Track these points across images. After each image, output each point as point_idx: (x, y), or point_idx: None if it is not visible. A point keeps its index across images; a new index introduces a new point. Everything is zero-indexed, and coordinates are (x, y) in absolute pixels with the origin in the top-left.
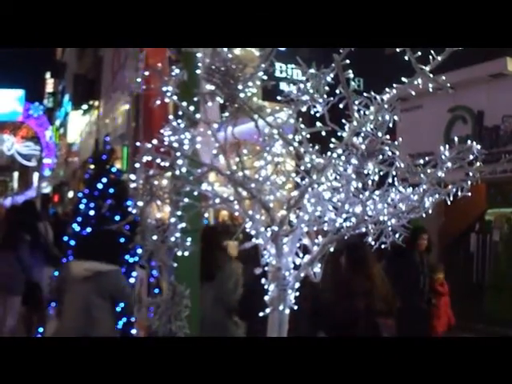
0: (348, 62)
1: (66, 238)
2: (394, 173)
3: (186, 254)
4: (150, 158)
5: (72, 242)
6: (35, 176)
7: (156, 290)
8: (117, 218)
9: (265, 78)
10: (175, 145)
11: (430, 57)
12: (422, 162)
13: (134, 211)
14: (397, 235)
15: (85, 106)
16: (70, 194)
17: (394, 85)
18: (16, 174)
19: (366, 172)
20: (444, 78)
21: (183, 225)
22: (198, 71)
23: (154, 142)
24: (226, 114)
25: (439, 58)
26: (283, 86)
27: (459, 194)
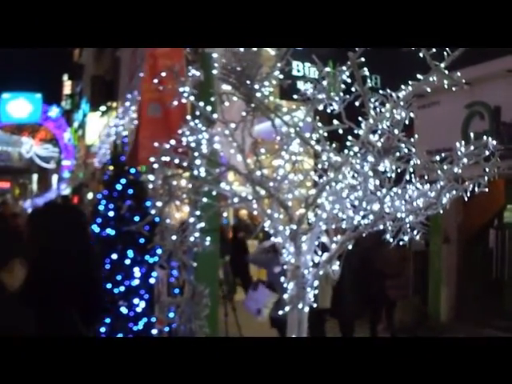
0: (363, 59)
1: None
2: (411, 170)
3: (206, 253)
4: (168, 159)
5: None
6: (54, 178)
7: (176, 290)
8: (136, 218)
9: (281, 76)
10: (193, 145)
11: (445, 53)
12: (438, 158)
13: (153, 212)
14: (415, 232)
15: (103, 108)
16: (90, 196)
17: (410, 82)
18: (35, 177)
19: (383, 169)
20: (460, 74)
21: (202, 224)
22: (215, 71)
23: (172, 142)
24: (243, 113)
25: (454, 54)
26: (300, 84)
27: (476, 190)
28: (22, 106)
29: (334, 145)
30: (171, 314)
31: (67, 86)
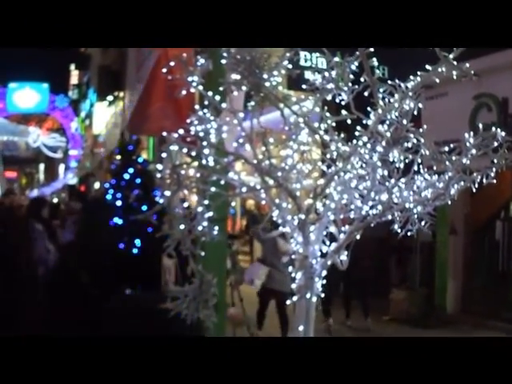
0: (372, 50)
1: None
2: (420, 160)
3: (214, 242)
4: (176, 148)
5: None
6: (61, 168)
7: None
8: (144, 207)
9: (290, 67)
10: (201, 134)
11: None
12: (447, 149)
13: (162, 201)
14: (422, 222)
15: (110, 98)
16: (97, 185)
17: (419, 72)
18: (42, 166)
19: (391, 160)
20: (468, 65)
21: (210, 214)
22: (223, 61)
23: (181, 131)
24: (252, 103)
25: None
26: (308, 74)
27: (484, 181)
28: (28, 96)
29: (342, 135)
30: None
31: (74, 76)
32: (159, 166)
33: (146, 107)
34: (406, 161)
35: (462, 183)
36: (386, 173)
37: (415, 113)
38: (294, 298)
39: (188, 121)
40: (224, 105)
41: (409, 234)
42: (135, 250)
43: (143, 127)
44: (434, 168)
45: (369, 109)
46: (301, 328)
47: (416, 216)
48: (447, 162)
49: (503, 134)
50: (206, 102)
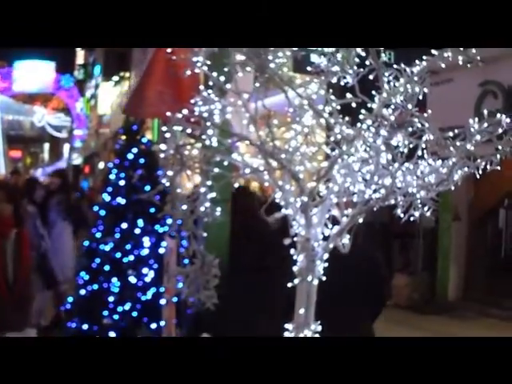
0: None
1: (96, 208)
2: (424, 145)
3: (216, 223)
4: (180, 128)
5: (102, 212)
6: (66, 147)
7: (186, 261)
8: (147, 188)
9: (295, 48)
10: (205, 115)
11: None
12: (451, 134)
13: (164, 181)
14: (426, 208)
15: (116, 78)
16: (101, 165)
17: (424, 57)
18: (47, 146)
19: (395, 144)
20: (474, 51)
21: (213, 195)
22: None
23: (185, 112)
24: (257, 84)
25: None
26: (314, 57)
27: (488, 168)
28: (34, 76)
29: (346, 118)
30: (180, 284)
31: (80, 56)
32: (163, 146)
33: (144, 89)
34: (410, 145)
35: (466, 169)
36: (389, 157)
37: (420, 97)
38: (296, 281)
39: (192, 101)
40: (229, 86)
41: (412, 219)
42: (137, 231)
43: (138, 109)
44: (438, 153)
45: (373, 92)
46: (301, 311)
47: (419, 201)
48: (451, 148)
49: (508, 120)
50: (211, 83)
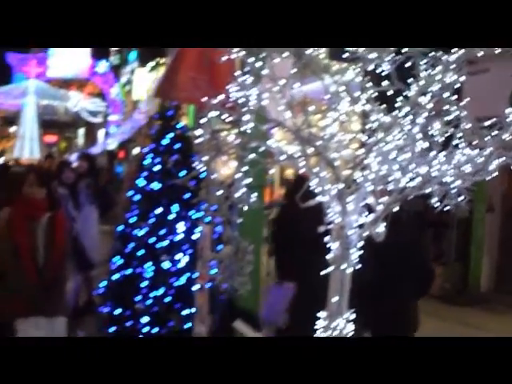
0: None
1: (131, 193)
2: (460, 134)
3: (251, 209)
4: (216, 114)
5: (137, 197)
6: (101, 133)
7: (219, 246)
8: (182, 173)
9: None
10: (241, 101)
11: None
12: (488, 123)
13: (200, 166)
14: (460, 198)
15: (151, 64)
16: (136, 151)
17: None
18: (81, 131)
19: (431, 132)
20: None
21: (248, 180)
22: None
23: (221, 97)
24: (294, 70)
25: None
26: None
27: None
28: (69, 61)
29: (383, 105)
30: (214, 270)
31: None
32: (198, 132)
33: (176, 73)
34: (446, 134)
35: (502, 160)
36: (426, 145)
37: (457, 86)
38: (329, 269)
39: (228, 87)
40: (265, 71)
41: (446, 208)
42: (172, 216)
43: (170, 93)
44: (474, 143)
45: (410, 80)
46: (335, 299)
47: (454, 190)
48: (487, 138)
49: None
50: (247, 69)
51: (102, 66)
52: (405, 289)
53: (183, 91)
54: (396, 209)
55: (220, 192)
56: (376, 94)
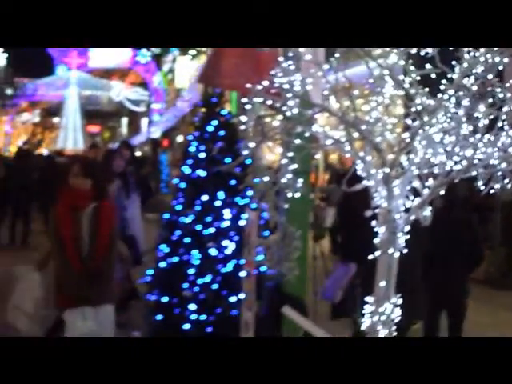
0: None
1: (176, 181)
2: (504, 116)
3: (297, 195)
4: (260, 100)
5: (182, 185)
6: (144, 121)
7: (266, 233)
8: (227, 160)
9: None
10: (286, 86)
11: None
12: None
13: (245, 153)
14: (506, 180)
15: (192, 52)
16: (180, 139)
17: None
18: (124, 120)
19: (476, 115)
20: None
21: (294, 166)
22: None
23: (265, 83)
24: (337, 54)
25: None
26: None
27: None
28: (110, 51)
29: (426, 89)
30: (260, 257)
31: None
32: (243, 118)
33: (220, 60)
34: (491, 117)
35: None
36: (470, 128)
37: (501, 68)
38: (377, 253)
39: (272, 72)
40: (309, 56)
41: (491, 191)
42: (218, 203)
43: (214, 80)
44: None
45: (454, 62)
46: (382, 284)
47: (499, 173)
48: None
49: None
50: (291, 54)
51: (144, 56)
52: (461, 262)
53: (227, 78)
54: (442, 192)
55: (267, 178)
56: (419, 77)
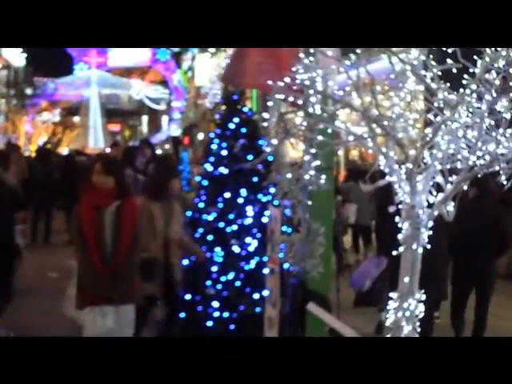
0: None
1: (198, 179)
2: None
3: (320, 191)
4: (282, 96)
5: (205, 182)
6: (165, 119)
7: (288, 229)
8: (249, 157)
9: None
10: (307, 83)
11: None
12: None
13: (268, 149)
14: None
15: (212, 49)
16: (200, 136)
17: None
18: (145, 118)
19: (499, 109)
20: None
21: (317, 162)
22: None
23: (287, 80)
24: (359, 50)
25: None
26: None
27: None
28: (129, 50)
29: (448, 84)
30: (282, 254)
31: None
32: (266, 115)
33: (242, 59)
34: None
35: None
36: (492, 122)
37: None
38: (400, 249)
39: (293, 69)
40: (330, 52)
41: None
42: (241, 200)
43: (237, 80)
44: None
45: (475, 57)
46: (406, 279)
47: None
48: None
49: None
50: (311, 50)
51: (163, 54)
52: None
53: (249, 77)
54: (465, 187)
55: (290, 174)
56: (440, 72)
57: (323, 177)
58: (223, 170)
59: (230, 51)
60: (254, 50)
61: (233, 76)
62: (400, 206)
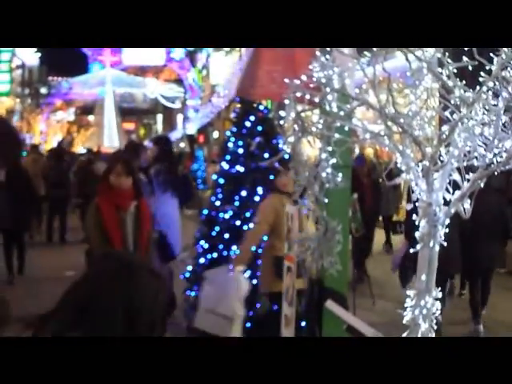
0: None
1: (215, 177)
2: None
3: (337, 189)
4: (298, 94)
5: (221, 180)
6: (179, 118)
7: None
8: (265, 155)
9: None
10: (324, 80)
11: None
12: None
13: (285, 147)
14: None
15: (227, 48)
16: (215, 135)
17: None
18: (160, 117)
19: None
20: None
21: (334, 160)
22: None
23: (303, 78)
24: (375, 48)
25: None
26: None
27: None
28: (144, 49)
29: (464, 81)
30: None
31: None
32: (282, 113)
33: (255, 69)
34: None
35: None
36: (509, 120)
37: None
38: (418, 247)
39: (310, 67)
40: (346, 51)
41: None
42: (257, 198)
43: (251, 91)
44: None
45: (491, 54)
46: (423, 277)
47: None
48: None
49: None
50: (328, 48)
51: (178, 52)
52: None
53: (261, 87)
54: (482, 185)
55: (307, 173)
56: (456, 69)
57: (340, 175)
58: (239, 168)
59: (244, 50)
60: (265, 57)
61: (246, 88)
62: (417, 204)
